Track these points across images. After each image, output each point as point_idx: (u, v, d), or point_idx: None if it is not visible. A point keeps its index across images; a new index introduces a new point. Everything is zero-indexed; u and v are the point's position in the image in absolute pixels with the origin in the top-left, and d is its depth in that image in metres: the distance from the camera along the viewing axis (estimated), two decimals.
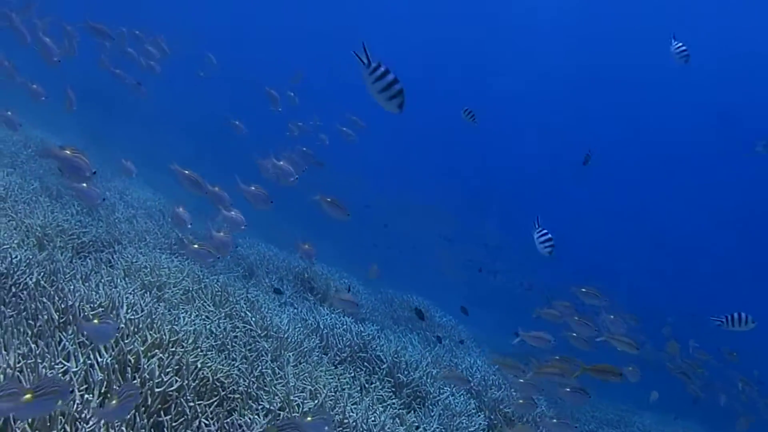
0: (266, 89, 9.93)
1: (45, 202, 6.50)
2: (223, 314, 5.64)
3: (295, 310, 6.92)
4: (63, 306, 4.12)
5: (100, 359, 3.79)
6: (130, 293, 4.84)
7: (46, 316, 4.00)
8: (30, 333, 3.75)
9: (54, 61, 5.81)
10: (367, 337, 6.50)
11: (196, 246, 5.09)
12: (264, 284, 7.96)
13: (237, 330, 5.42)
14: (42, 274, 4.51)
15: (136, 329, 4.21)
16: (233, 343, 5.11)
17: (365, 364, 6.23)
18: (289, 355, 5.43)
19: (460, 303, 11.47)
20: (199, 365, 4.24)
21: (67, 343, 3.77)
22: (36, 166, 8.13)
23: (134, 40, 9.32)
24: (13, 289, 4.18)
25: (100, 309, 4.22)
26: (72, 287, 4.40)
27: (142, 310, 4.47)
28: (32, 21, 6.62)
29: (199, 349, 4.44)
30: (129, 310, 4.32)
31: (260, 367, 4.85)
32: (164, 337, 4.29)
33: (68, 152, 3.40)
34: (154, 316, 4.43)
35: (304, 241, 6.65)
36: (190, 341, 4.47)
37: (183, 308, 5.37)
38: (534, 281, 16.08)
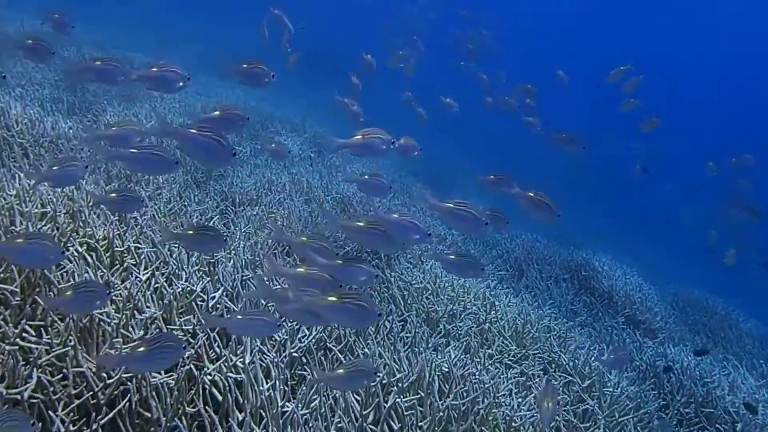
0: None
1: (299, 201, 5.56)
2: (530, 355, 4.28)
3: (598, 336, 5.38)
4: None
5: None
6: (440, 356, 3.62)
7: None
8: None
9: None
10: (711, 384, 4.76)
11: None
12: (540, 287, 6.51)
13: (555, 381, 4.03)
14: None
15: (458, 416, 2.94)
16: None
17: (715, 425, 4.52)
18: (629, 422, 3.91)
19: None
20: None
21: None
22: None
23: None
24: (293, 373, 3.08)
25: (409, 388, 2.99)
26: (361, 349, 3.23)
27: (460, 386, 3.17)
28: None
29: None
30: (446, 391, 3.04)
31: None
32: None
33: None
34: (476, 395, 3.13)
35: None
36: None
37: (485, 352, 4.08)
38: None
